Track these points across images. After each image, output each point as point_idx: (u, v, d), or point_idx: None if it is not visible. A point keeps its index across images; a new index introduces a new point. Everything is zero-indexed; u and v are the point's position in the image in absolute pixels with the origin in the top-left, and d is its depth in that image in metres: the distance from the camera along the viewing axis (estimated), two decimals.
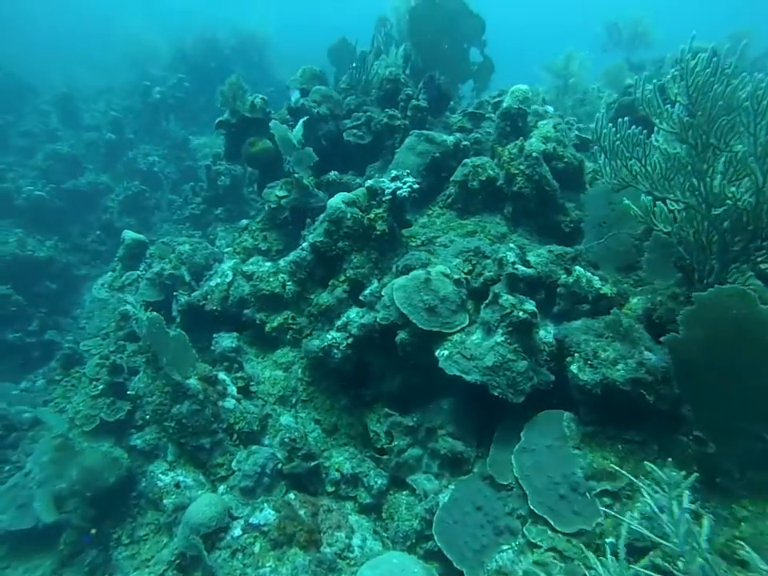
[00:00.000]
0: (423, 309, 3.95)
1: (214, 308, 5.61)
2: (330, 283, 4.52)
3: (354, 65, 7.63)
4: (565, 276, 4.12)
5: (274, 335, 5.19)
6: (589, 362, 3.38)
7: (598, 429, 3.42)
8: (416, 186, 4.28)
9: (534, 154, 4.63)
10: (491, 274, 4.04)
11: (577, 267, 4.09)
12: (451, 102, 6.23)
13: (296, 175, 5.57)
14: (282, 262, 4.86)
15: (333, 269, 4.58)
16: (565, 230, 4.79)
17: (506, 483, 3.58)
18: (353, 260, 4.41)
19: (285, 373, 5.11)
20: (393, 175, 4.38)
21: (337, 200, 4.45)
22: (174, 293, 6.07)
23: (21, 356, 7.77)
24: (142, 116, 13.67)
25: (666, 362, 3.17)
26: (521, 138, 4.83)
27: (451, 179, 5.02)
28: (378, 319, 4.14)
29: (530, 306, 3.70)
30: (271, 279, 5.27)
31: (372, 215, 4.40)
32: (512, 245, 4.15)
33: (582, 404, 3.64)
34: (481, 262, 4.22)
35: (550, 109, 6.21)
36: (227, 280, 5.66)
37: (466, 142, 5.35)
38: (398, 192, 4.22)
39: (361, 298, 4.36)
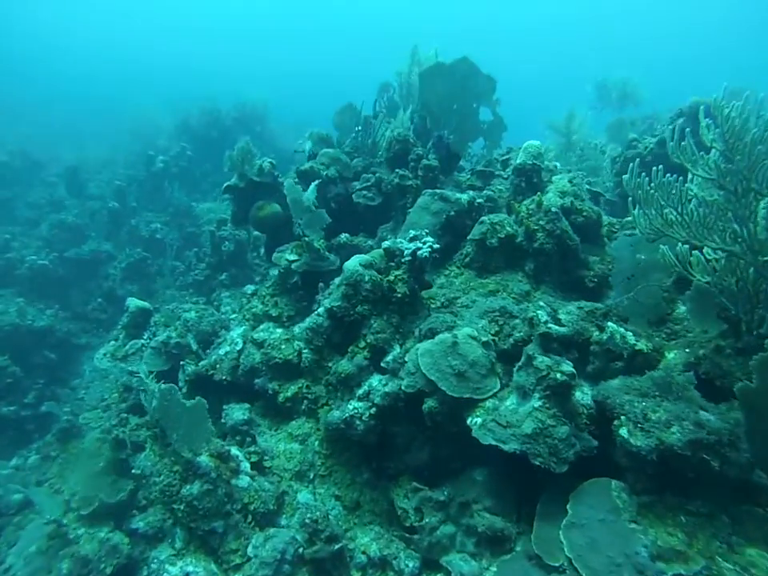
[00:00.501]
0: (452, 374, 3.73)
1: (223, 378, 5.37)
2: (349, 350, 4.31)
3: (358, 128, 7.74)
4: (597, 333, 3.94)
5: (288, 405, 4.92)
6: (639, 425, 3.13)
7: (654, 498, 3.13)
8: (436, 245, 4.15)
9: (554, 209, 4.55)
10: (521, 334, 3.85)
11: (609, 323, 3.92)
12: (461, 161, 6.25)
13: (306, 238, 5.47)
14: (296, 329, 4.65)
15: (351, 334, 4.38)
16: (589, 284, 4.64)
17: (556, 564, 3.24)
18: (373, 325, 4.22)
19: (301, 446, 4.80)
20: (411, 235, 4.26)
21: (354, 263, 4.32)
22: (181, 362, 5.83)
23: (14, 430, 7.39)
24: (146, 185, 13.84)
25: (729, 422, 2.93)
26: (538, 193, 4.76)
27: (468, 238, 4.91)
28: (402, 387, 3.90)
29: (568, 366, 3.48)
30: (283, 347, 5.06)
31: (391, 277, 4.25)
32: (541, 303, 3.98)
33: (631, 471, 3.36)
34: (508, 323, 4.03)
35: (558, 165, 6.22)
36: (237, 348, 5.44)
37: (480, 200, 5.28)
38: (419, 253, 4.09)
39: (383, 364, 4.14)
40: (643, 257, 4.09)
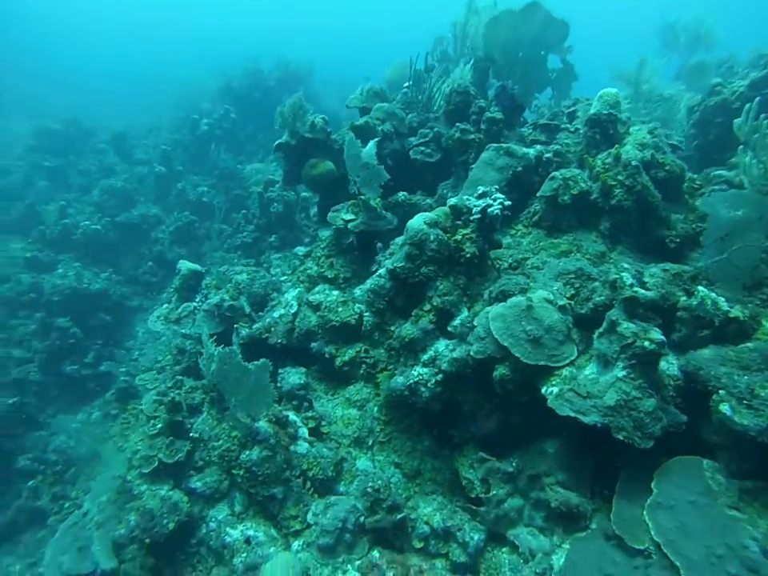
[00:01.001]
0: (526, 340, 3.48)
1: (279, 341, 5.28)
2: (413, 313, 4.10)
3: (408, 83, 7.35)
4: (685, 298, 3.59)
5: (345, 370, 4.80)
6: (745, 402, 2.82)
7: (760, 484, 2.83)
8: (507, 202, 3.84)
9: (634, 162, 4.14)
10: (602, 298, 3.54)
11: (699, 287, 3.57)
12: (526, 113, 5.83)
13: (363, 197, 5.23)
14: (357, 291, 4.47)
15: (415, 297, 4.16)
16: (671, 245, 4.24)
17: (641, 548, 3.02)
18: (439, 287, 3.98)
19: (359, 411, 4.69)
20: (480, 192, 3.96)
21: (418, 221, 4.06)
22: (235, 325, 5.78)
23: (78, 387, 7.68)
24: (191, 148, 13.80)
25: None
26: (615, 145, 4.34)
27: (538, 194, 4.56)
28: (471, 352, 3.68)
29: (657, 334, 3.18)
30: (340, 309, 4.91)
31: (459, 236, 3.98)
32: (625, 264, 3.65)
33: (724, 450, 3.08)
34: (586, 285, 3.72)
35: (630, 117, 5.71)
36: (292, 311, 5.32)
37: (548, 155, 4.89)
38: (489, 210, 3.80)
39: (450, 328, 3.92)
40: (740, 213, 3.66)
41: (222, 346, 4.26)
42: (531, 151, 4.86)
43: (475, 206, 3.90)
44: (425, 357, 3.95)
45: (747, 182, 3.20)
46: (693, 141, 6.44)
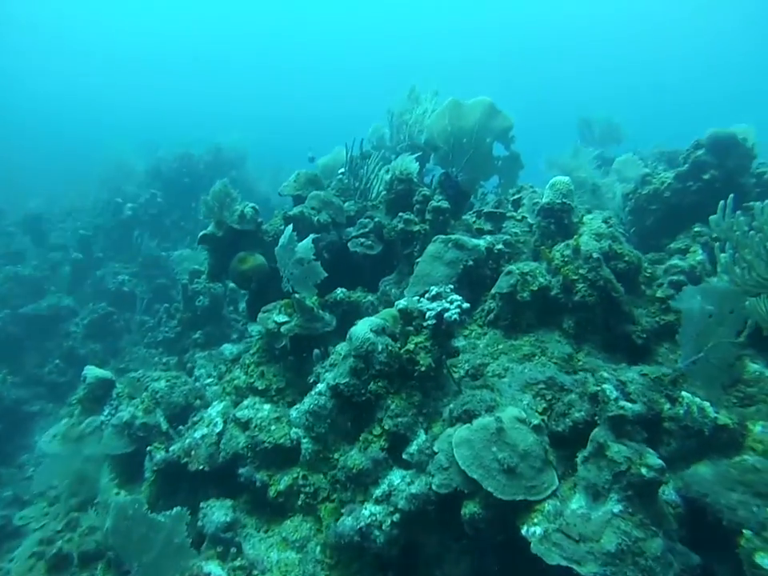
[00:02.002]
0: (499, 471, 2.90)
1: (200, 467, 4.42)
2: (360, 438, 3.43)
3: (343, 169, 7.09)
4: (669, 406, 3.20)
5: (280, 501, 3.98)
6: None
7: None
8: (466, 305, 3.38)
9: (595, 255, 3.86)
10: (582, 414, 3.07)
11: (684, 393, 3.20)
12: (472, 202, 5.61)
13: (297, 296, 4.66)
14: (293, 412, 3.75)
15: (362, 418, 3.52)
16: (637, 341, 3.91)
17: None
18: (390, 406, 3.37)
19: (298, 554, 3.83)
20: (434, 292, 3.49)
21: (363, 329, 3.50)
22: (148, 448, 4.86)
23: None
24: (113, 233, 12.94)
25: None
26: (575, 236, 4.08)
27: (493, 291, 4.16)
28: (433, 486, 3.05)
29: (654, 458, 2.70)
30: (273, 427, 4.17)
31: (411, 346, 3.43)
32: (605, 373, 3.22)
33: None
34: (560, 398, 3.26)
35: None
36: (216, 430, 4.52)
37: (499, 246, 4.58)
38: (446, 315, 3.31)
39: (405, 456, 3.28)
40: (712, 308, 3.38)
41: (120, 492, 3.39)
42: (481, 243, 4.52)
43: (429, 309, 3.41)
44: (377, 492, 3.26)
45: (731, 280, 2.92)
46: (630, 227, 6.46)
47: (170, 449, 4.71)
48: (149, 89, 51.49)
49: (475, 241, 4.52)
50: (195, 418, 4.84)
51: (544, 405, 3.30)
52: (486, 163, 5.56)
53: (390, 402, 3.39)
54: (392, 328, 3.65)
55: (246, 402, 4.57)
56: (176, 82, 52.96)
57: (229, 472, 4.34)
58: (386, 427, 3.33)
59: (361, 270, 5.42)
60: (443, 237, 4.55)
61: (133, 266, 12.05)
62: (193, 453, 4.51)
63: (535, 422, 3.06)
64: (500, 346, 3.97)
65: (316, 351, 4.51)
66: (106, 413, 5.93)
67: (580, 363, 3.69)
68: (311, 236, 4.70)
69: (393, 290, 4.87)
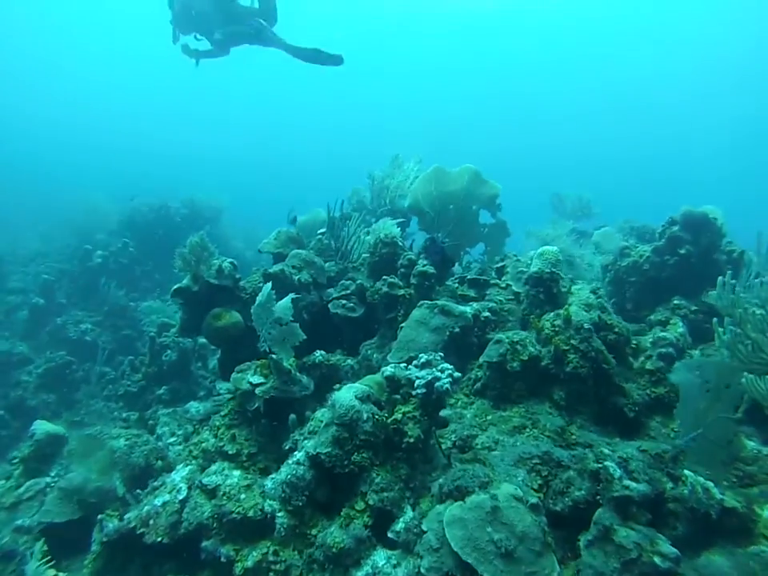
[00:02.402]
0: (496, 555, 2.66)
1: (159, 539, 3.99)
2: (342, 513, 3.15)
3: (323, 230, 7.05)
4: (672, 485, 3.04)
5: None
6: None
7: None
8: (457, 374, 3.23)
9: (587, 326, 3.79)
10: (582, 493, 2.88)
11: (687, 472, 3.06)
12: (456, 268, 5.56)
13: (274, 357, 4.43)
14: (269, 482, 3.44)
15: (343, 491, 3.25)
16: (629, 414, 3.80)
17: None
18: (375, 479, 3.13)
19: None
20: (423, 360, 3.33)
21: (348, 396, 3.29)
22: (99, 516, 4.40)
23: None
24: (79, 280, 12.46)
25: None
26: (565, 306, 4.03)
27: (481, 360, 4.03)
28: (422, 570, 2.77)
29: (667, 546, 2.53)
30: (243, 496, 3.83)
31: (398, 416, 3.24)
32: (605, 449, 3.07)
33: None
34: (557, 474, 3.07)
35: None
36: (180, 497, 4.12)
37: (486, 313, 4.50)
38: (437, 384, 3.14)
39: (390, 535, 3.01)
40: (709, 383, 3.32)
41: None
42: (468, 309, 4.44)
43: (417, 377, 3.24)
44: (359, 574, 2.95)
45: (733, 356, 2.86)
46: (610, 298, 6.51)
47: (125, 517, 4.27)
48: (127, 131, 51.83)
49: (462, 307, 4.43)
50: (156, 483, 4.43)
51: (539, 481, 3.11)
52: (472, 230, 5.58)
53: (374, 474, 3.15)
54: (377, 396, 3.46)
55: (213, 468, 4.23)
56: (156, 126, 53.47)
57: (190, 545, 3.94)
58: (371, 502, 3.06)
59: (341, 332, 5.26)
60: (429, 302, 4.45)
61: (98, 315, 11.55)
62: (151, 522, 4.09)
63: (532, 500, 2.85)
64: (489, 417, 3.79)
65: (292, 416, 4.25)
66: (53, 474, 5.43)
67: (573, 437, 3.53)
68: (290, 295, 4.55)
69: (375, 355, 4.69)
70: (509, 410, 3.83)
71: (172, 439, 6.62)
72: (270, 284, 4.48)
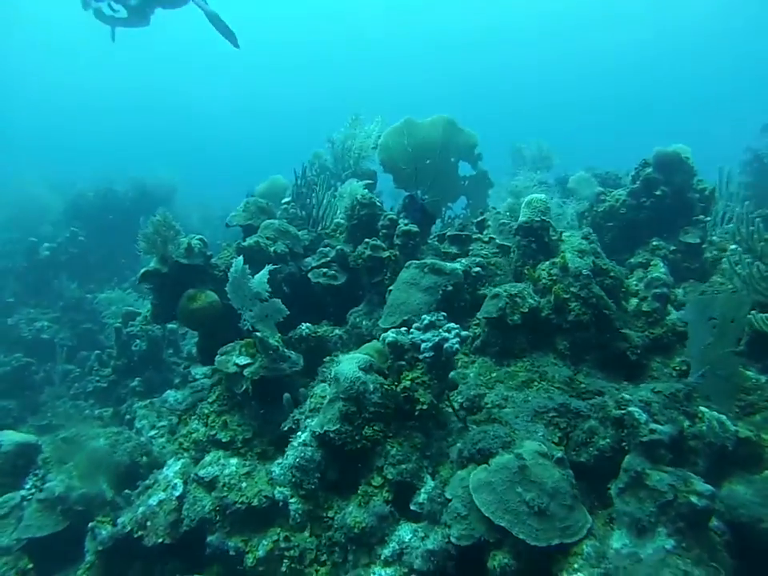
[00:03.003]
0: (529, 514, 2.56)
1: (159, 540, 3.77)
2: (360, 491, 2.98)
3: (287, 198, 6.72)
4: (689, 423, 3.01)
5: (260, 570, 3.42)
6: None
7: None
8: (464, 333, 3.06)
9: (585, 272, 3.69)
10: (608, 441, 2.80)
11: (703, 409, 3.03)
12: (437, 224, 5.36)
13: (258, 335, 4.18)
14: (276, 469, 3.21)
15: (357, 468, 3.08)
16: (632, 357, 3.76)
17: None
18: (390, 452, 2.97)
19: None
20: (426, 321, 3.14)
21: (351, 367, 3.09)
22: (90, 524, 4.12)
23: None
24: (26, 276, 11.68)
25: None
26: (560, 253, 3.90)
27: (479, 316, 3.89)
28: (452, 538, 2.65)
29: (702, 484, 2.48)
30: (244, 485, 3.64)
31: (407, 383, 3.06)
32: (626, 394, 2.99)
33: None
34: (579, 425, 2.99)
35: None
36: (176, 493, 3.89)
37: (477, 269, 4.34)
38: (446, 345, 2.97)
39: (413, 507, 2.87)
40: (716, 319, 3.28)
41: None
42: (457, 266, 4.26)
43: (423, 340, 3.06)
44: (386, 552, 2.81)
45: (749, 288, 2.80)
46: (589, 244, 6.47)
47: (119, 521, 4.02)
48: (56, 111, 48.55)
49: (451, 264, 4.25)
50: (148, 482, 4.18)
51: (559, 434, 3.03)
52: (452, 183, 5.35)
53: (389, 447, 2.99)
54: (379, 364, 3.28)
55: (208, 458, 3.99)
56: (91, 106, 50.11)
57: (194, 542, 3.73)
58: (389, 476, 2.91)
59: (323, 301, 5.01)
60: (417, 262, 4.25)
61: (53, 311, 10.89)
62: (149, 524, 3.85)
63: (558, 454, 2.76)
64: (493, 374, 3.67)
65: (287, 395, 4.04)
66: (28, 485, 5.04)
67: (582, 385, 3.46)
68: (267, 267, 4.26)
69: (364, 322, 4.49)
70: (513, 365, 3.72)
71: (153, 432, 6.30)
72: (241, 258, 4.19)
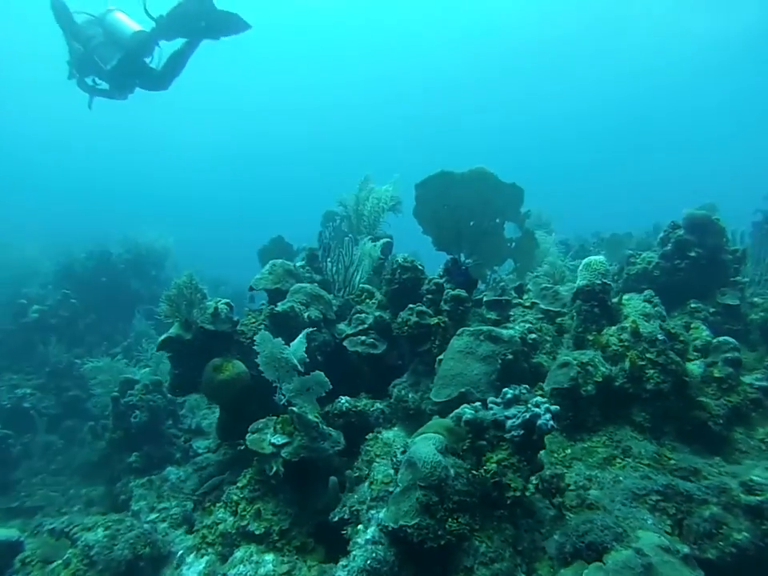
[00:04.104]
0: None
1: None
2: None
3: (300, 263, 6.46)
4: None
5: None
6: None
7: None
8: (554, 407, 2.74)
9: (660, 337, 3.44)
10: (745, 535, 2.45)
11: None
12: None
13: (295, 409, 3.79)
14: (341, 574, 2.73)
15: (434, 569, 2.64)
16: (714, 429, 3.45)
17: None
18: (479, 549, 2.55)
19: None
20: (509, 396, 2.81)
21: (427, 450, 2.71)
22: None
23: None
24: (12, 340, 11.02)
25: None
26: (628, 319, 3.66)
27: (548, 387, 3.57)
28: None
29: None
30: None
31: (493, 466, 2.68)
32: (756, 477, 2.66)
33: None
34: (695, 512, 2.63)
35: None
36: None
37: (533, 336, 4.07)
38: (540, 422, 2.64)
39: None
40: None
41: None
42: (514, 333, 3.97)
43: (507, 417, 2.73)
44: None
45: None
46: None
47: None
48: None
49: (508, 332, 3.96)
50: None
51: (669, 523, 2.65)
52: (498, 246, 5.13)
53: (476, 542, 2.57)
54: (452, 444, 2.91)
55: (239, 554, 3.48)
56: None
57: None
58: None
59: (359, 372, 4.65)
60: (472, 329, 3.95)
61: (37, 377, 10.20)
62: None
63: (685, 550, 2.39)
64: (567, 451, 3.32)
65: (333, 479, 3.61)
66: None
67: (672, 462, 3.13)
68: (304, 333, 3.93)
69: (410, 395, 4.12)
70: (587, 440, 3.38)
71: (153, 516, 5.69)
72: (266, 333, 3.86)
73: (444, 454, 2.76)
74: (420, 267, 4.66)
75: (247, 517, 3.67)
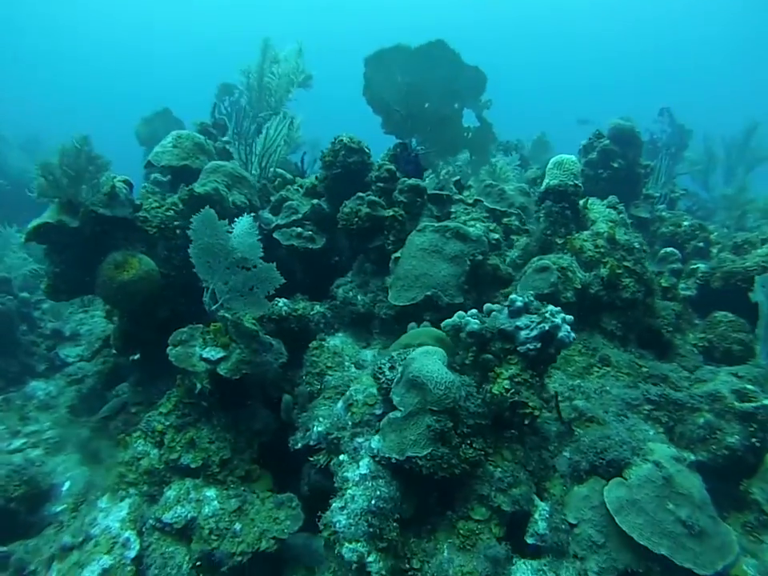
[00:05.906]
0: (687, 535, 2.13)
1: None
2: (459, 529, 2.23)
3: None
4: None
5: None
6: None
7: None
8: (569, 317, 2.46)
9: (637, 245, 3.31)
10: (737, 438, 2.47)
11: None
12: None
13: (228, 316, 3.14)
14: (341, 519, 2.24)
15: (442, 499, 2.34)
16: (665, 335, 3.54)
17: None
18: (495, 474, 2.29)
19: None
20: (518, 304, 2.46)
21: (435, 367, 2.28)
22: None
23: None
24: None
25: None
26: (608, 222, 3.46)
27: (524, 293, 3.31)
28: (591, 573, 2.12)
29: None
30: (238, 527, 2.69)
31: (505, 383, 2.36)
32: (749, 385, 2.67)
33: None
34: (683, 418, 2.63)
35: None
36: (130, 554, 2.75)
37: (495, 236, 3.74)
38: (560, 335, 2.35)
39: (530, 540, 2.24)
40: None
41: None
42: (479, 232, 3.59)
43: (519, 327, 2.40)
44: None
45: None
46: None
47: None
48: None
49: (474, 230, 3.57)
50: (72, 539, 2.91)
51: (662, 431, 2.64)
52: (455, 135, 4.53)
53: (491, 467, 2.30)
54: (452, 358, 2.56)
55: (171, 493, 2.88)
56: None
57: None
58: (494, 503, 2.22)
59: (291, 270, 4.00)
60: (436, 224, 3.49)
61: None
62: None
63: (691, 457, 2.37)
64: None
65: (287, 397, 3.10)
66: None
67: (644, 370, 3.12)
68: (249, 219, 3.16)
69: (359, 297, 3.62)
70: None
71: (19, 442, 4.76)
72: (210, 210, 3.05)
73: (452, 371, 2.39)
74: (367, 150, 3.98)
75: (177, 448, 3.04)
